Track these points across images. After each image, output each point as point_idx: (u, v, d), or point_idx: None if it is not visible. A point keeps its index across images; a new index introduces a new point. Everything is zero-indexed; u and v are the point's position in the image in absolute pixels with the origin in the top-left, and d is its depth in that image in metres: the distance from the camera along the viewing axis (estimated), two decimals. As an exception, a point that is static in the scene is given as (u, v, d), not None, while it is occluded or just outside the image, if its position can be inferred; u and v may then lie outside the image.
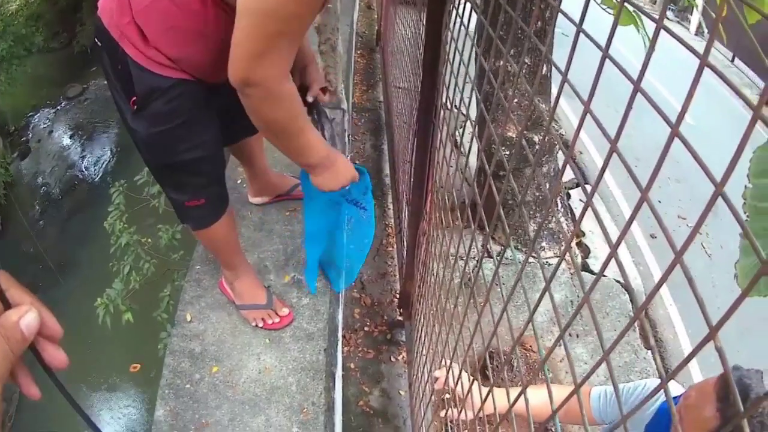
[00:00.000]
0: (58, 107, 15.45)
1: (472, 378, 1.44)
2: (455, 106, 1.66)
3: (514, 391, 1.50)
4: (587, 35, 0.67)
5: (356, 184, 2.03)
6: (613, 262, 0.62)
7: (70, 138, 14.44)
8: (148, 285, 4.60)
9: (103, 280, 5.12)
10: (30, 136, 14.67)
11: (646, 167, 0.62)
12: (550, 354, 0.74)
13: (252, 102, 1.55)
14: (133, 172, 4.90)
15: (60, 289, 8.94)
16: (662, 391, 0.50)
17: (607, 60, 0.60)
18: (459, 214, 1.55)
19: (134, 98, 1.72)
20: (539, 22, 3.06)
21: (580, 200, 5.20)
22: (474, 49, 1.51)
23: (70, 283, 9.20)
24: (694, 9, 12.39)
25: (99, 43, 1.71)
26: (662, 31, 0.51)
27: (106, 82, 1.83)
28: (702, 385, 1.11)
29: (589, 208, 0.67)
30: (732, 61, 12.98)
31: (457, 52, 1.49)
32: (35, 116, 15.33)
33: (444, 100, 1.75)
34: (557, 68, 0.71)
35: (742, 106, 9.51)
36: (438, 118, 1.89)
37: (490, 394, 1.09)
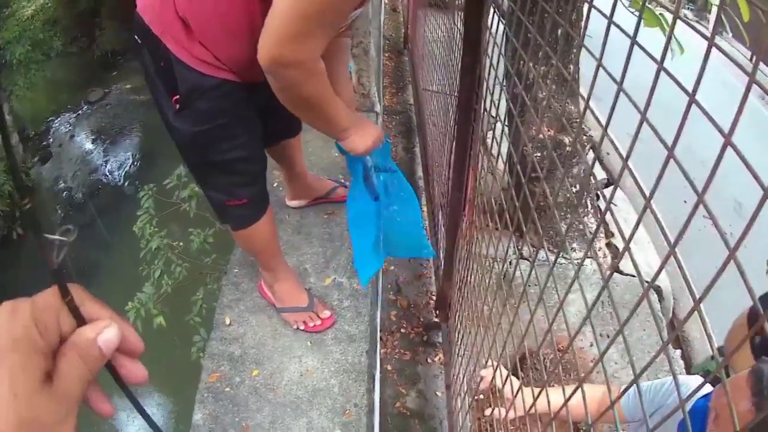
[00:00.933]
0: (80, 112, 15.43)
1: (518, 379, 1.45)
2: (487, 110, 1.68)
3: (554, 392, 1.50)
4: (642, 48, 0.68)
5: (379, 150, 2.08)
6: (641, 262, 0.64)
7: (93, 142, 14.42)
8: (180, 289, 4.60)
9: (132, 285, 5.12)
10: (51, 140, 14.64)
11: (671, 168, 0.63)
12: (590, 357, 0.75)
13: (284, 82, 1.58)
14: (160, 176, 4.90)
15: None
16: (694, 389, 0.50)
17: (603, 59, 0.62)
18: (497, 218, 1.57)
19: (177, 97, 1.73)
20: (567, 23, 3.06)
21: (613, 204, 5.16)
22: (503, 52, 1.53)
23: (96, 288, 9.18)
24: (713, 8, 12.30)
25: (139, 41, 1.72)
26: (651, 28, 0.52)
27: (145, 81, 1.85)
28: (734, 379, 1.10)
29: (618, 209, 0.68)
30: (751, 60, 12.86)
31: (501, 56, 1.51)
32: (56, 121, 15.31)
33: (483, 105, 1.77)
34: (613, 78, 0.72)
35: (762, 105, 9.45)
36: (477, 122, 1.90)
37: (541, 395, 1.09)
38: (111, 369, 0.58)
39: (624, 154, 0.70)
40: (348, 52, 2.27)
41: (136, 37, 1.74)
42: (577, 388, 0.88)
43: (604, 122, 0.81)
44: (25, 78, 13.18)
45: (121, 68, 16.43)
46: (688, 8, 11.85)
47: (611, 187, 5.13)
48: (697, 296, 0.57)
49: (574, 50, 3.35)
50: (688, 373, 4.09)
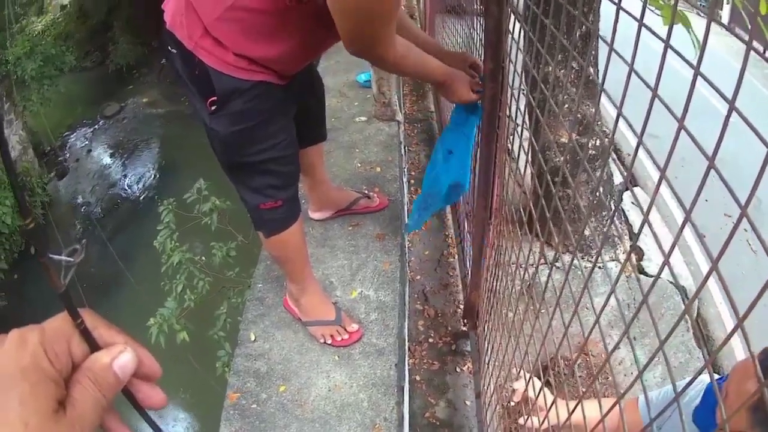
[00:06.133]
0: (96, 126, 15.61)
1: (547, 384, 1.43)
2: (511, 117, 1.68)
3: (588, 404, 1.49)
4: (675, 51, 0.67)
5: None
6: (663, 262, 0.63)
7: (111, 157, 14.57)
8: (203, 303, 4.61)
9: (153, 299, 5.15)
10: (67, 155, 14.79)
11: (691, 169, 0.62)
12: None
13: (376, 65, 2.01)
14: (179, 190, 4.94)
15: (106, 308, 8.99)
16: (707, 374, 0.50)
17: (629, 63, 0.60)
18: (525, 225, 1.56)
19: (213, 99, 1.78)
20: (584, 27, 3.03)
21: (632, 203, 5.14)
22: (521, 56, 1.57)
23: (116, 302, 9.25)
24: (725, 2, 12.26)
25: (173, 51, 1.78)
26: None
27: (179, 86, 1.92)
28: (744, 362, 1.13)
29: (641, 209, 0.67)
30: (763, 54, 12.76)
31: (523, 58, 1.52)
32: (71, 136, 15.48)
33: (508, 111, 1.78)
34: (647, 85, 0.71)
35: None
36: (502, 129, 1.89)
37: (578, 407, 1.10)
38: (128, 394, 0.57)
39: (661, 165, 0.69)
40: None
41: (168, 47, 1.80)
42: (614, 405, 0.87)
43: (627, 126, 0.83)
44: (38, 93, 13.22)
45: (136, 82, 16.62)
46: (700, 3, 11.78)
47: (634, 189, 5.10)
48: (740, 314, 0.56)
49: (593, 51, 3.33)
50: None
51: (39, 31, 18.66)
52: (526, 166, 1.61)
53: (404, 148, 3.56)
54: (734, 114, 0.55)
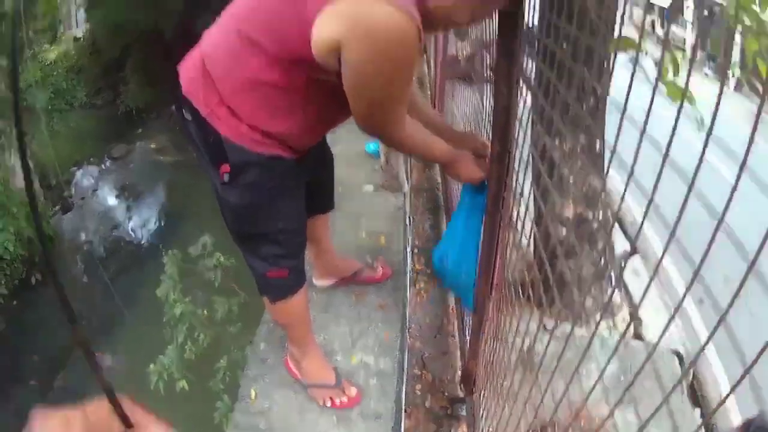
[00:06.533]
0: (103, 166, 15.55)
1: None
2: (516, 194, 1.73)
3: None
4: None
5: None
6: (659, 324, 0.68)
7: (116, 198, 14.51)
8: (203, 354, 4.63)
9: (152, 345, 5.15)
10: (73, 191, 14.72)
11: (697, 232, 0.68)
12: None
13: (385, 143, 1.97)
14: (184, 240, 5.00)
15: (105, 349, 8.95)
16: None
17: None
18: (523, 292, 1.61)
19: (225, 169, 1.81)
20: (592, 99, 3.13)
21: (632, 271, 5.17)
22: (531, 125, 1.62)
23: (116, 343, 9.21)
24: (731, 74, 12.29)
25: (188, 117, 1.81)
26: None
27: (193, 152, 1.94)
28: (734, 428, 1.19)
29: (640, 277, 0.73)
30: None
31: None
32: (78, 172, 15.36)
33: (513, 189, 1.81)
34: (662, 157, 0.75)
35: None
36: (506, 210, 1.92)
37: None
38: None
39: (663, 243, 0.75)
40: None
41: (183, 112, 1.83)
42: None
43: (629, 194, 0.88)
44: (47, 125, 13.25)
45: (146, 126, 16.57)
46: (709, 67, 11.91)
47: (635, 256, 5.15)
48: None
49: (599, 124, 3.37)
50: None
51: (52, 61, 18.55)
52: (529, 239, 1.67)
53: (410, 218, 3.63)
54: (743, 178, 0.60)
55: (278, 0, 1.60)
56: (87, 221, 13.71)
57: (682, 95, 0.78)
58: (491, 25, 2.28)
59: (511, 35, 1.64)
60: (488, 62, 2.56)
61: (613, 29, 2.83)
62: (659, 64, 0.88)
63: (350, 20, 1.44)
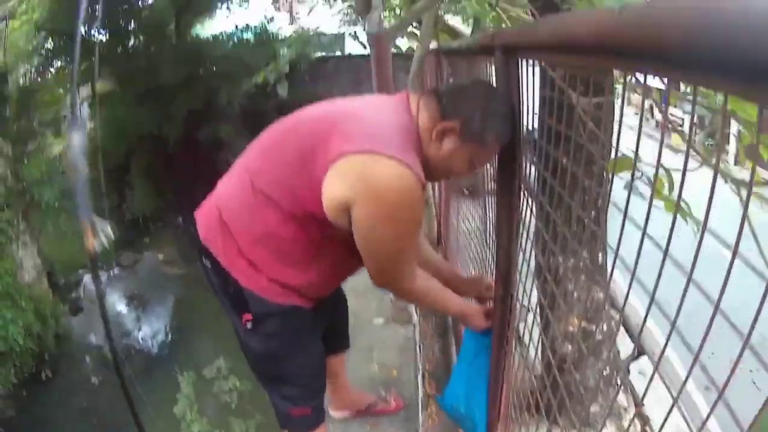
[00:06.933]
0: (111, 272, 15.53)
1: None
2: (522, 307, 1.76)
3: None
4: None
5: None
6: (670, 423, 0.73)
7: (126, 306, 14.47)
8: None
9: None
10: (82, 294, 14.64)
11: (699, 323, 0.70)
12: None
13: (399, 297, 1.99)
14: (196, 359, 5.08)
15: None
16: None
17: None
18: (531, 405, 1.67)
19: (248, 318, 1.88)
20: (593, 212, 3.26)
21: (639, 372, 5.20)
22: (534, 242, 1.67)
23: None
24: (732, 139, 12.28)
25: (208, 265, 1.88)
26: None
27: (213, 294, 1.99)
28: None
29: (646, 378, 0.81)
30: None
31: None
32: (86, 275, 15.26)
33: (518, 311, 1.84)
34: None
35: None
36: (512, 320, 1.90)
37: None
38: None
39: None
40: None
41: (203, 261, 1.90)
42: None
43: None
44: (54, 224, 13.31)
45: (153, 236, 16.70)
46: (709, 144, 11.98)
47: (640, 359, 5.21)
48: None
49: (602, 235, 3.43)
50: None
51: (57, 155, 18.49)
52: (535, 357, 1.74)
53: (419, 347, 3.75)
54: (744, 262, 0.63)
55: (290, 156, 1.67)
56: (96, 325, 13.47)
57: (674, 210, 0.84)
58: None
59: (510, 177, 1.65)
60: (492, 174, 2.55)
61: (611, 138, 2.94)
62: (653, 185, 0.94)
63: (357, 181, 1.52)
